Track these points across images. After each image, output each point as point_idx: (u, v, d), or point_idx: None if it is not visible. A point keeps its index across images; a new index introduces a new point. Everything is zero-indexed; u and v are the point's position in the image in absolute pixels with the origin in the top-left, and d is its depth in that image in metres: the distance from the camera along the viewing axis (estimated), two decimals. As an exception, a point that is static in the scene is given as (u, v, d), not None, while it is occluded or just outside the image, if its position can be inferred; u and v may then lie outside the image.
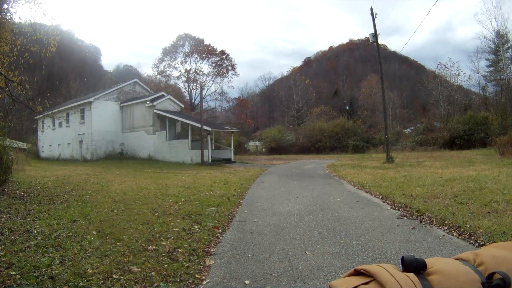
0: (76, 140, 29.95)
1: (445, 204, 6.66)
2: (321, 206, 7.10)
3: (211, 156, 26.36)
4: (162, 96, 29.77)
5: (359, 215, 6.17)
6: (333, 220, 5.81)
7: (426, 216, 5.76)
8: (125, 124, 30.22)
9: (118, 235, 4.95)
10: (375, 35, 18.58)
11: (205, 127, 23.85)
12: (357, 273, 0.64)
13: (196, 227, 5.53)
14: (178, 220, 6.10)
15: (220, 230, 5.39)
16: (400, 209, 6.59)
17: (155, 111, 27.52)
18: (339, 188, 9.94)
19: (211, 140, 27.14)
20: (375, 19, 18.21)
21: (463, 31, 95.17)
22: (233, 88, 74.37)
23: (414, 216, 5.90)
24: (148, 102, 28.06)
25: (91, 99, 28.55)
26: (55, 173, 16.17)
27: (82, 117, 29.45)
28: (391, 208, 6.77)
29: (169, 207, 7.49)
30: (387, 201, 7.44)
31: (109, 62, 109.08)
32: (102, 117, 28.81)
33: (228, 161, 25.06)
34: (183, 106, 33.24)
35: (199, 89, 47.97)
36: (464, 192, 7.92)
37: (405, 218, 5.85)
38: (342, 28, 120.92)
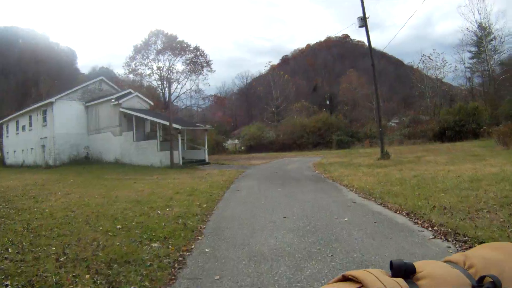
0: (39, 145, 26.81)
1: (501, 223, 4.44)
2: (324, 235, 4.62)
3: (183, 158, 23.61)
4: (129, 93, 26.68)
5: (392, 254, 3.73)
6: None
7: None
8: (91, 126, 27.09)
9: None
10: (364, 19, 16.33)
11: (174, 125, 21.02)
12: (345, 279, 0.60)
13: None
14: (84, 280, 3.47)
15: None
16: (446, 237, 4.23)
17: (121, 109, 24.43)
18: (339, 197, 7.53)
19: (182, 139, 24.36)
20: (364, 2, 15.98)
21: (442, 26, 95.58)
22: (209, 85, 71.20)
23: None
24: (113, 100, 24.93)
25: (53, 99, 25.36)
26: (1, 183, 13.84)
27: (44, 120, 26.26)
28: (433, 235, 4.38)
29: (91, 242, 4.87)
30: (418, 221, 5.08)
31: (85, 64, 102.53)
32: (65, 118, 25.66)
33: (202, 162, 22.34)
34: (152, 103, 30.06)
35: (170, 85, 45.61)
36: (506, 198, 5.81)
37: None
38: (320, 25, 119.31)
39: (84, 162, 25.83)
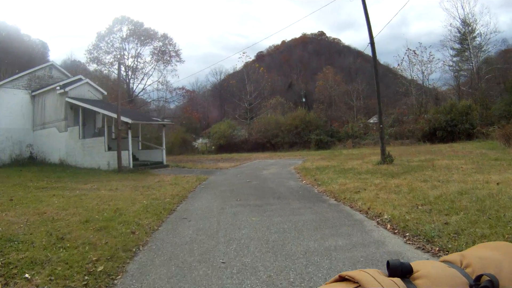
0: (-18, 143, 21.61)
1: None
2: None
3: (137, 159, 19.58)
4: (79, 80, 21.96)
5: None
6: None
7: None
8: (36, 119, 22.15)
9: None
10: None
11: (123, 119, 16.87)
12: (342, 279, 0.60)
13: None
14: None
15: None
16: None
17: (67, 99, 19.88)
18: (370, 248, 4.00)
19: (136, 137, 20.32)
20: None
21: (416, 26, 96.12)
22: (178, 77, 66.64)
23: None
24: (58, 88, 20.30)
25: (-8, 86, 20.38)
26: None
27: (-14, 112, 21.13)
28: None
29: None
30: None
31: (58, 57, 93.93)
32: (7, 110, 20.78)
33: (159, 165, 18.30)
34: (105, 93, 25.38)
35: (139, 77, 41.54)
36: None
37: None
38: (295, 22, 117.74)
39: (27, 164, 20.97)
